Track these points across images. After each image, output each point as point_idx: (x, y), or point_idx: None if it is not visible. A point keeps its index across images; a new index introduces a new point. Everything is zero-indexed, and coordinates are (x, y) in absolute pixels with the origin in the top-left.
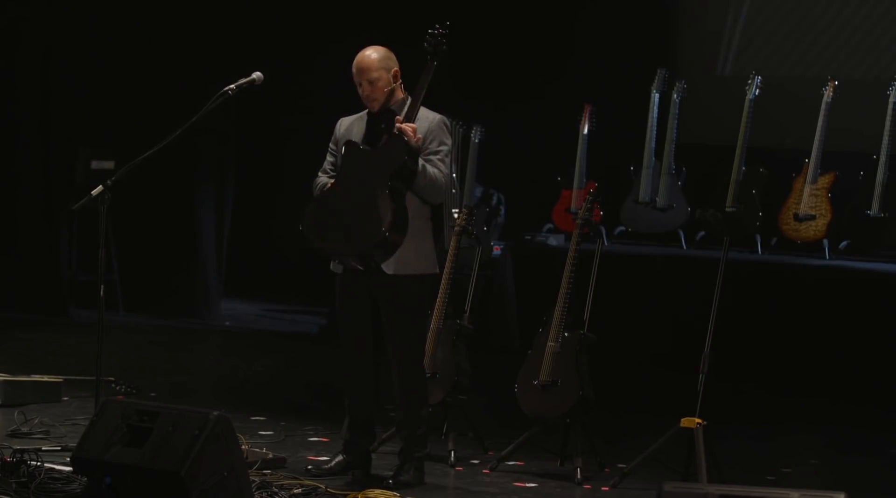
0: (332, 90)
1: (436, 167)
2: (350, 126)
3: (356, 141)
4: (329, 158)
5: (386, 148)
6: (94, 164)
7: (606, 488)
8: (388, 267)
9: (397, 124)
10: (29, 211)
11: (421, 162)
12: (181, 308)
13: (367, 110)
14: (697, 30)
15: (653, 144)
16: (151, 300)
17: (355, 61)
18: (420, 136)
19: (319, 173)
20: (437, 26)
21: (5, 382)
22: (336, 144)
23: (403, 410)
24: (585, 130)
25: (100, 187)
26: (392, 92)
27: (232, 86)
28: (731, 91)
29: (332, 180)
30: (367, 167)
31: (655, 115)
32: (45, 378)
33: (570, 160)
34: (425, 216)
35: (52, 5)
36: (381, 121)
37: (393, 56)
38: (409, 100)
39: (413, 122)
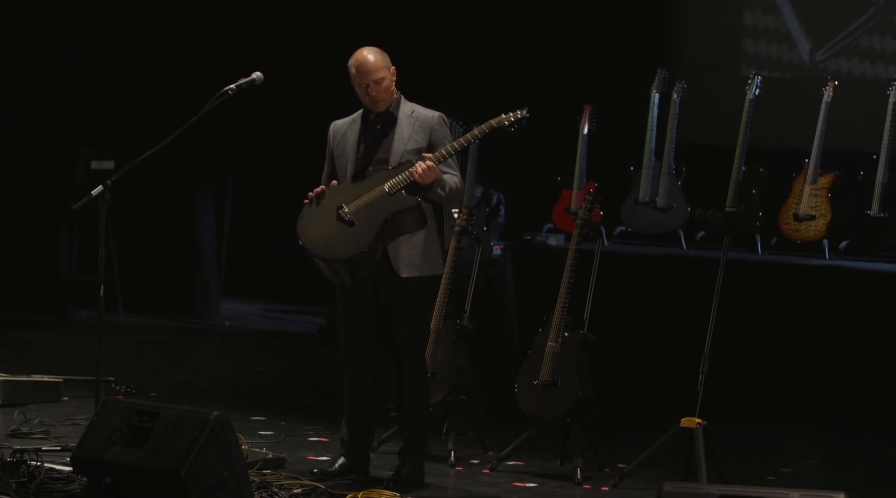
0: (331, 91)
1: (450, 168)
2: (344, 130)
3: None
4: (327, 168)
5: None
6: (94, 164)
7: (606, 488)
8: (402, 270)
9: (421, 166)
10: (29, 211)
11: (442, 179)
12: (181, 308)
13: (360, 113)
14: (698, 30)
15: (653, 144)
16: (151, 300)
17: (356, 64)
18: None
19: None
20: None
21: (5, 382)
22: (331, 151)
23: (405, 409)
24: (585, 130)
25: (100, 187)
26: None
27: (232, 86)
28: (731, 91)
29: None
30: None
31: (655, 115)
32: (45, 378)
33: (570, 160)
34: (432, 217)
35: (52, 5)
36: (377, 123)
37: (387, 55)
38: (451, 146)
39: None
